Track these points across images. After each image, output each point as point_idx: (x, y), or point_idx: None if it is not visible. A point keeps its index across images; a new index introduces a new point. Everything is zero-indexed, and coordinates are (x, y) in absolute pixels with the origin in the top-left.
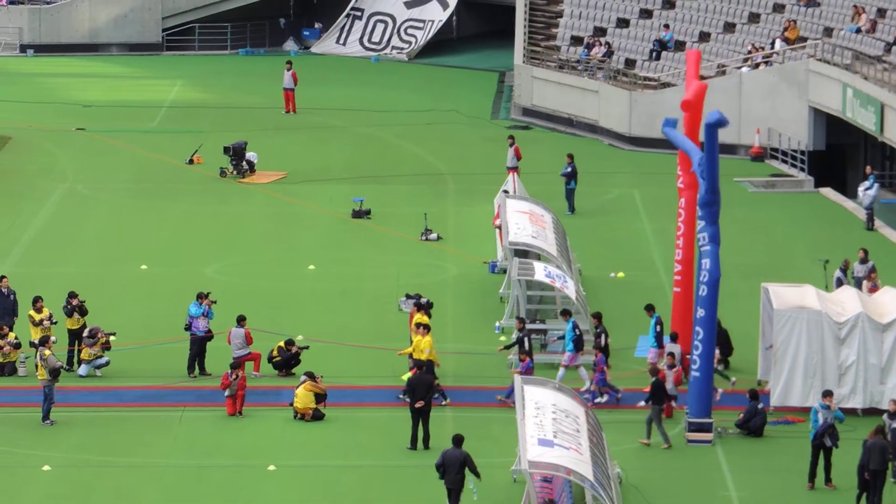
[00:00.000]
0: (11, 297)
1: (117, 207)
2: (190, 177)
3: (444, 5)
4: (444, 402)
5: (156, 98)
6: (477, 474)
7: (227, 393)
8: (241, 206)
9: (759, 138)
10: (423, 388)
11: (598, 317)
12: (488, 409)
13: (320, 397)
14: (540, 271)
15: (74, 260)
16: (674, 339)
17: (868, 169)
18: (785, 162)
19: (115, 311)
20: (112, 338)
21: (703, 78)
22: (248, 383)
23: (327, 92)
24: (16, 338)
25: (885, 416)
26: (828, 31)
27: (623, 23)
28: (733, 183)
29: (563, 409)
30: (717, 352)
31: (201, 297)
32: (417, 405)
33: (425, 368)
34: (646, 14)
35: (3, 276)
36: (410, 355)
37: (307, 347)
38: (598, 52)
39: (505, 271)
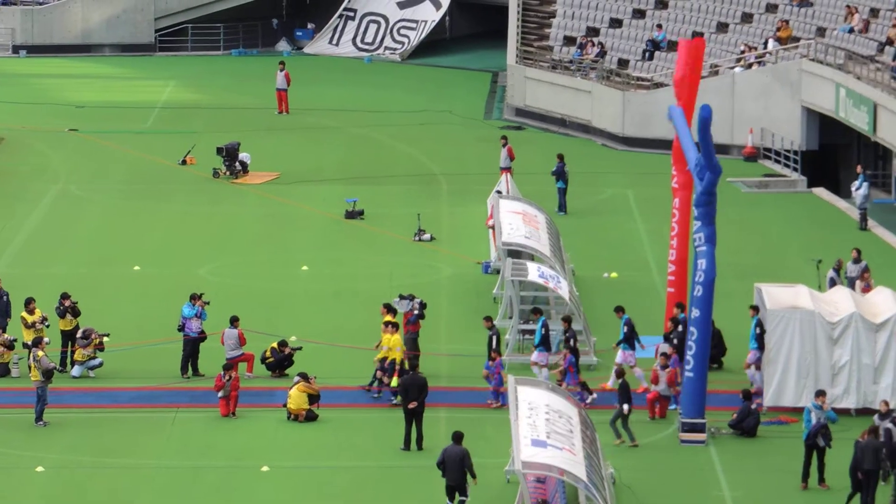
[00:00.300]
0: (4, 298)
1: (110, 208)
2: (183, 177)
3: (437, 6)
4: (375, 395)
5: (149, 99)
6: (473, 474)
7: (220, 394)
8: (234, 207)
9: (752, 138)
10: (416, 389)
11: (567, 320)
12: (482, 410)
13: (314, 398)
14: (533, 272)
15: (67, 261)
16: (666, 339)
17: (858, 168)
18: (778, 162)
19: (109, 312)
20: (106, 339)
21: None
22: (241, 384)
23: (320, 92)
24: (13, 338)
25: (875, 417)
26: (821, 31)
27: (616, 23)
28: (726, 183)
29: (557, 409)
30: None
31: (194, 298)
32: (410, 406)
33: (390, 367)
34: (639, 14)
35: None
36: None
37: (300, 348)
38: (590, 52)
39: (498, 272)
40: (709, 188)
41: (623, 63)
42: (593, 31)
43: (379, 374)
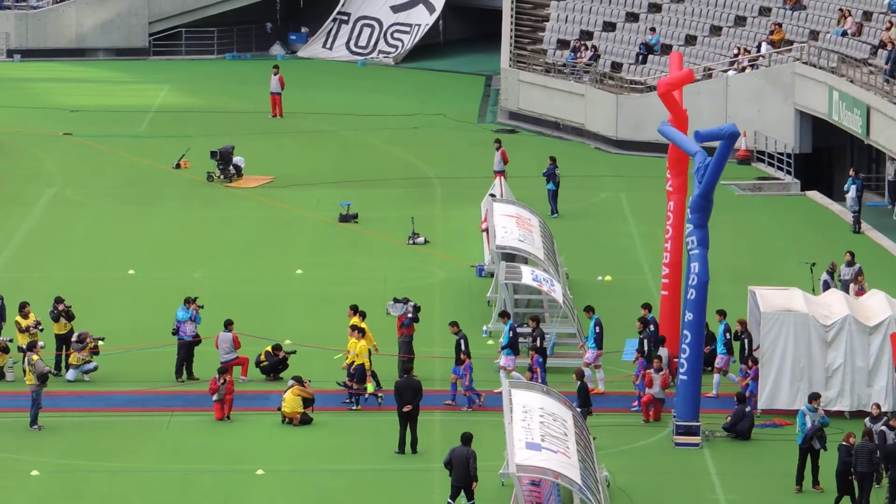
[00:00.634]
0: None
1: (105, 212)
2: (177, 181)
3: (431, 9)
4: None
5: (143, 103)
6: (475, 477)
7: (214, 397)
8: (228, 211)
9: (745, 141)
10: (411, 393)
11: (535, 319)
12: (476, 413)
13: (308, 402)
14: (527, 275)
15: (62, 265)
16: (661, 342)
17: (851, 171)
18: (771, 165)
19: (103, 316)
20: (101, 342)
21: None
22: (235, 388)
23: (314, 96)
24: (9, 339)
25: (867, 420)
26: (814, 35)
27: (609, 26)
28: (720, 186)
29: (551, 412)
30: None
31: (189, 301)
32: (405, 409)
33: (357, 373)
34: (632, 17)
35: None
36: (361, 366)
37: (294, 352)
38: (584, 55)
39: (492, 275)
40: (705, 193)
41: (616, 66)
42: (587, 35)
43: (347, 381)
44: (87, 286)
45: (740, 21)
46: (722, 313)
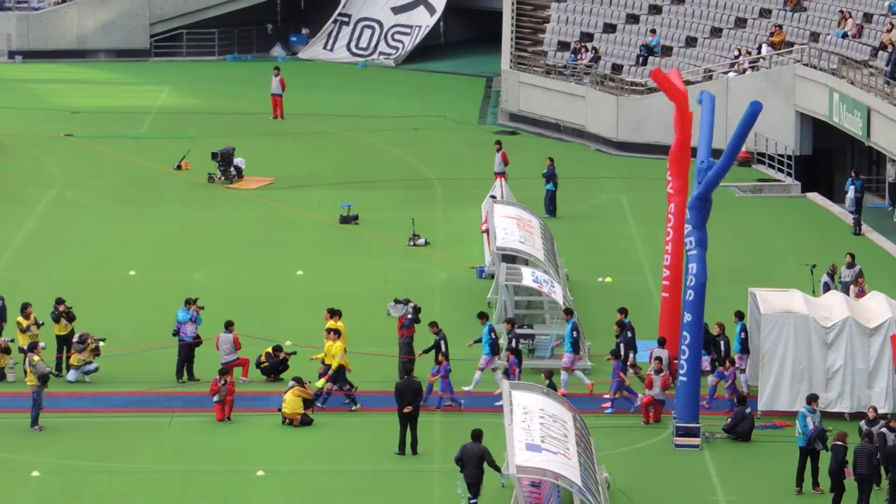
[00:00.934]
0: (0, 302)
1: (105, 213)
2: (178, 183)
3: (432, 11)
4: (353, 408)
5: (144, 104)
6: (497, 468)
7: (215, 398)
8: (229, 212)
9: (745, 143)
10: (411, 394)
11: (511, 322)
12: (476, 414)
13: (308, 403)
14: (527, 276)
15: (63, 265)
16: (661, 343)
17: (852, 173)
18: (772, 167)
19: (104, 317)
20: (102, 343)
21: (689, 83)
22: (236, 389)
23: (315, 98)
24: (10, 339)
25: (863, 423)
26: (814, 36)
27: (610, 28)
28: (721, 188)
29: (551, 413)
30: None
31: (189, 302)
32: (405, 410)
33: (333, 374)
34: (632, 19)
35: None
36: (322, 361)
37: (295, 353)
38: (584, 57)
39: (492, 276)
40: (704, 193)
41: (617, 68)
42: (587, 37)
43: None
44: (87, 287)
45: (741, 23)
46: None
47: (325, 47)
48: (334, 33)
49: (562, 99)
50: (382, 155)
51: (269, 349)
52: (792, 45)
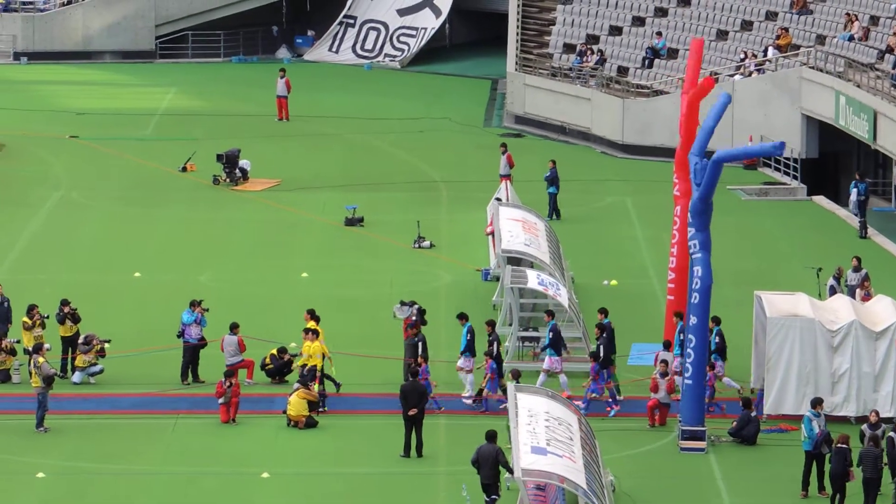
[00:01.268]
0: (5, 304)
1: (111, 215)
2: (183, 184)
3: (437, 13)
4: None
5: (149, 106)
6: (509, 469)
7: (220, 400)
8: (234, 214)
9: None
10: (416, 396)
11: (491, 324)
12: (481, 417)
13: (313, 405)
14: (533, 279)
15: (68, 267)
16: (666, 346)
17: (856, 175)
18: (778, 170)
19: (109, 319)
20: (107, 345)
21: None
22: (241, 391)
23: (320, 99)
24: (16, 340)
25: (864, 426)
26: (820, 39)
27: (615, 30)
28: (726, 191)
29: (556, 416)
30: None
31: (194, 304)
32: (410, 413)
33: (309, 373)
34: (638, 22)
35: None
36: (313, 367)
37: (299, 355)
38: (590, 59)
39: (498, 279)
40: (705, 196)
41: (623, 71)
42: (593, 39)
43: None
44: (92, 289)
45: (747, 25)
46: (679, 315)
47: (330, 49)
48: (340, 35)
49: (567, 101)
50: (388, 157)
51: (274, 351)
52: (798, 47)
